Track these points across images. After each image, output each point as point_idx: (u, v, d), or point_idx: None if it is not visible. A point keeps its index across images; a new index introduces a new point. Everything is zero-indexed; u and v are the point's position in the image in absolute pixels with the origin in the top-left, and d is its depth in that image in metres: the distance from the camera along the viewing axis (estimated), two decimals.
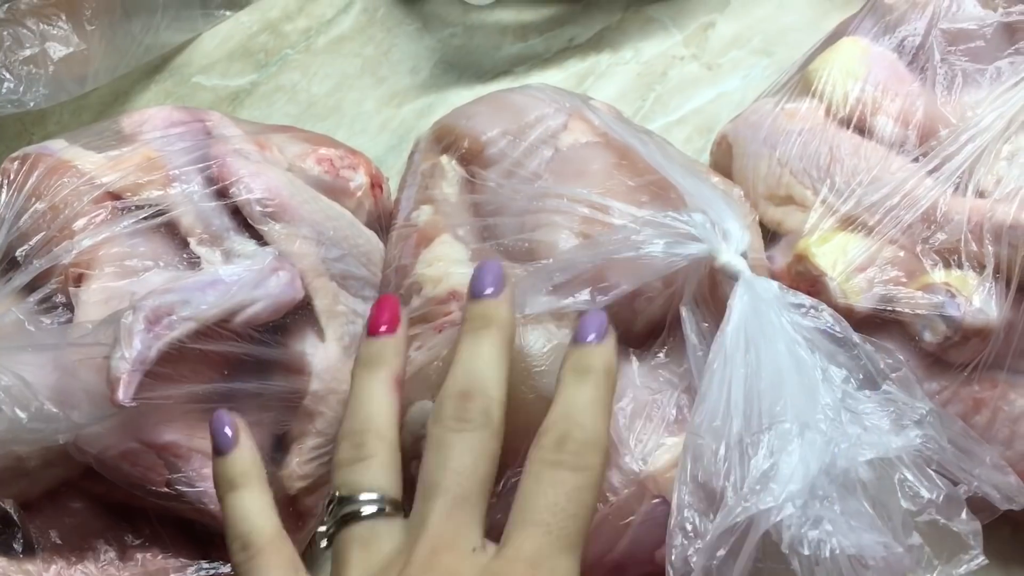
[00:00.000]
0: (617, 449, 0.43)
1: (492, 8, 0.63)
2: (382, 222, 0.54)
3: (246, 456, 0.38)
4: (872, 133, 0.49)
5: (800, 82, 0.52)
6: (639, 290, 0.45)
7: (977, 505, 0.37)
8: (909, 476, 0.36)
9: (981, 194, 0.45)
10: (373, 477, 0.35)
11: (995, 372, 0.43)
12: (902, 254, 0.45)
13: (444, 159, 0.53)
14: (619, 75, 0.62)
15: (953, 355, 0.43)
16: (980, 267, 0.43)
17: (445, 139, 0.54)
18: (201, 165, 0.47)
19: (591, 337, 0.37)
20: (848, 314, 0.44)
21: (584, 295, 0.44)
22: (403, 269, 0.50)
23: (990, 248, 0.43)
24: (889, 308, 0.44)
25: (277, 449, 0.45)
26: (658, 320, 0.46)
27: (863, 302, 0.44)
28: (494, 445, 0.35)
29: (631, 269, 0.44)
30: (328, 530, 0.35)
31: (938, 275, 0.44)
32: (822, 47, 0.54)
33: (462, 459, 0.34)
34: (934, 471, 0.36)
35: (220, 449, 0.38)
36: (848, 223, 0.47)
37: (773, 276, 0.49)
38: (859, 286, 0.44)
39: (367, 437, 0.36)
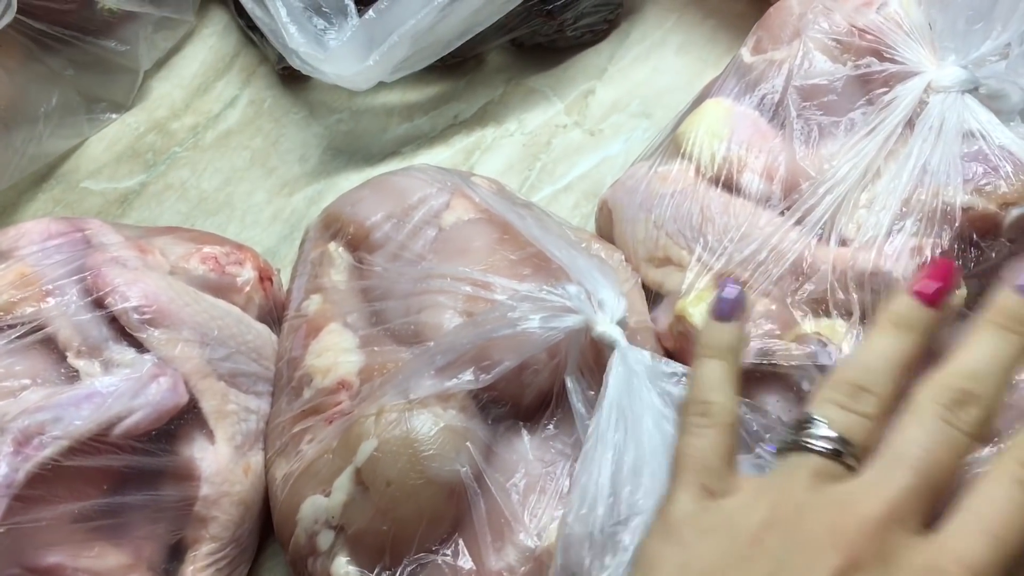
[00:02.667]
0: (512, 526, 0.43)
1: (377, 91, 0.64)
2: (274, 314, 0.54)
3: (738, 333, 0.38)
4: (740, 190, 0.50)
5: (671, 145, 0.54)
6: (525, 363, 0.45)
7: None
8: None
9: (844, 242, 0.46)
10: (857, 430, 0.33)
11: None
12: (775, 307, 0.46)
13: (332, 246, 0.53)
14: (505, 147, 0.63)
15: None
16: (848, 314, 0.44)
17: (332, 226, 0.54)
18: (77, 277, 0.46)
19: None
20: None
21: (468, 375, 0.45)
22: (294, 361, 0.50)
23: (855, 295, 0.44)
24: (766, 361, 0.45)
25: (172, 560, 0.45)
26: (547, 391, 0.47)
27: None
28: (966, 455, 0.33)
29: (512, 345, 0.44)
30: (785, 440, 0.34)
31: (809, 325, 0.45)
32: (691, 109, 0.55)
33: (942, 451, 0.32)
34: None
35: (720, 314, 0.38)
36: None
37: (658, 337, 0.50)
38: None
39: (870, 398, 0.34)
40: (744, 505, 0.33)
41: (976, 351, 0.34)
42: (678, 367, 0.42)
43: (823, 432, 0.33)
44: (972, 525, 0.31)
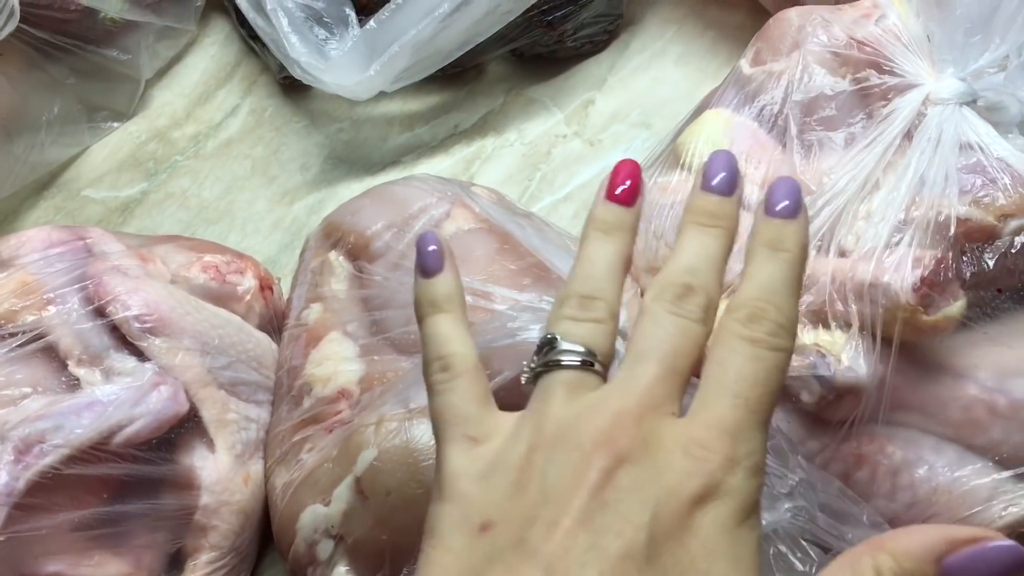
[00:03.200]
0: None
1: (377, 101, 0.65)
2: (275, 323, 0.54)
3: (451, 280, 0.38)
4: (740, 202, 0.50)
5: (670, 155, 0.54)
6: None
7: None
8: (783, 549, 0.36)
9: (843, 254, 0.47)
10: (595, 338, 0.34)
11: (872, 427, 0.44)
12: None
13: (332, 255, 0.53)
14: (505, 157, 0.63)
15: (830, 413, 0.44)
16: (847, 325, 0.44)
17: (333, 235, 0.54)
18: (78, 285, 0.47)
19: (784, 209, 0.35)
20: None
21: None
22: (294, 370, 0.50)
23: (854, 307, 0.44)
24: None
25: (171, 569, 0.45)
26: None
27: None
28: (704, 340, 0.34)
29: (511, 355, 0.44)
30: (534, 369, 0.34)
31: (809, 336, 0.45)
32: (690, 119, 0.56)
33: (678, 338, 0.33)
34: (808, 541, 0.36)
35: (427, 271, 0.38)
36: (724, 290, 0.48)
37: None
38: None
39: (598, 304, 0.35)
40: (509, 439, 0.33)
41: (687, 249, 0.35)
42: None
43: (565, 347, 0.34)
44: (717, 392, 0.32)
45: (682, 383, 0.33)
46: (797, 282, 0.35)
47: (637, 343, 0.34)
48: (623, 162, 0.37)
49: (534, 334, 0.43)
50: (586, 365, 0.34)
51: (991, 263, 0.46)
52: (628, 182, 0.37)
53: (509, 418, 0.35)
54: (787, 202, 0.35)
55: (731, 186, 0.36)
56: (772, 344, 0.33)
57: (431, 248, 0.38)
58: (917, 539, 0.29)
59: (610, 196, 0.37)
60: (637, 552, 0.29)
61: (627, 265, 0.37)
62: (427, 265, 0.38)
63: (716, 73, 0.64)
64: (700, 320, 0.34)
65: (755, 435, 0.32)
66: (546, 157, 0.63)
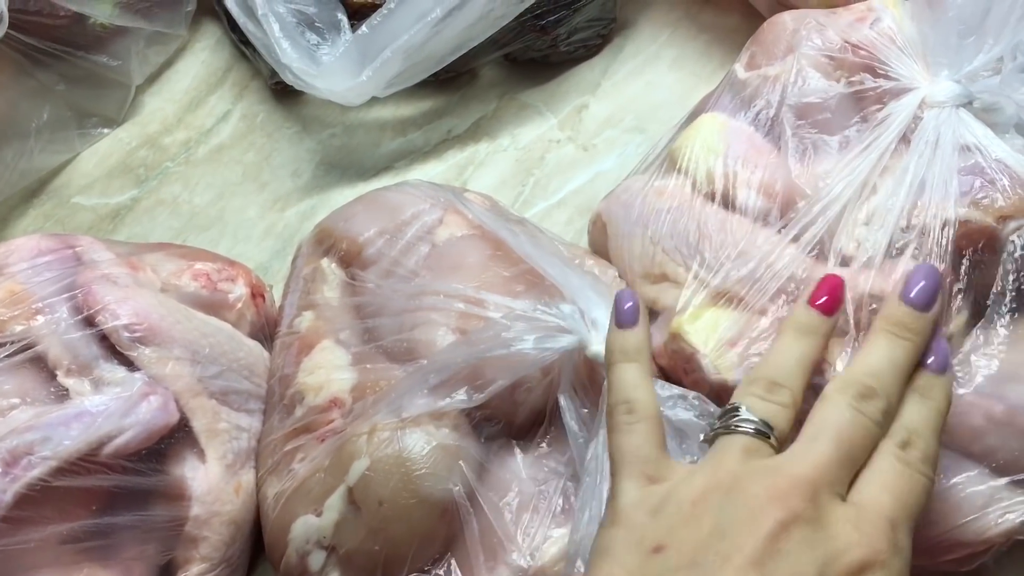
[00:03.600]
0: (504, 546, 0.43)
1: (370, 106, 0.64)
2: (266, 331, 0.54)
3: (644, 335, 0.41)
4: (736, 206, 0.50)
5: (666, 159, 0.54)
6: (518, 381, 0.45)
7: None
8: None
9: (844, 259, 0.46)
10: (776, 416, 0.38)
11: None
12: (771, 325, 0.46)
13: (324, 262, 0.53)
14: (498, 162, 0.63)
15: None
16: (843, 333, 0.44)
17: (325, 242, 0.54)
18: (67, 295, 0.46)
19: (938, 366, 0.39)
20: (723, 389, 0.45)
21: (461, 394, 0.44)
22: (286, 379, 0.50)
23: (851, 314, 0.44)
24: None
25: None
26: (540, 409, 0.46)
27: (736, 376, 0.45)
28: (876, 444, 0.37)
29: (505, 364, 0.44)
30: (715, 429, 0.38)
31: None
32: (686, 123, 0.55)
33: (856, 431, 0.36)
34: None
35: (623, 323, 0.41)
36: (719, 297, 0.48)
37: (653, 354, 0.50)
38: (731, 361, 0.45)
39: (784, 392, 0.38)
40: (683, 481, 0.36)
41: (874, 354, 0.39)
42: (675, 389, 0.42)
43: (747, 416, 0.37)
44: (877, 488, 0.36)
45: (852, 472, 0.36)
46: (941, 427, 0.39)
47: (816, 424, 0.37)
48: (829, 277, 0.42)
49: (528, 344, 0.43)
50: (763, 436, 0.37)
51: (991, 267, 0.45)
52: (830, 295, 0.41)
53: (684, 467, 0.38)
54: (940, 363, 0.39)
55: (930, 302, 0.40)
56: (922, 470, 0.37)
57: (628, 304, 0.42)
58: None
59: (812, 302, 0.41)
60: None
61: (816, 366, 0.40)
62: (623, 319, 0.42)
63: (710, 77, 0.64)
64: (877, 423, 0.37)
65: (907, 536, 0.35)
66: (539, 162, 0.63)
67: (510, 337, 0.43)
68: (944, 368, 0.39)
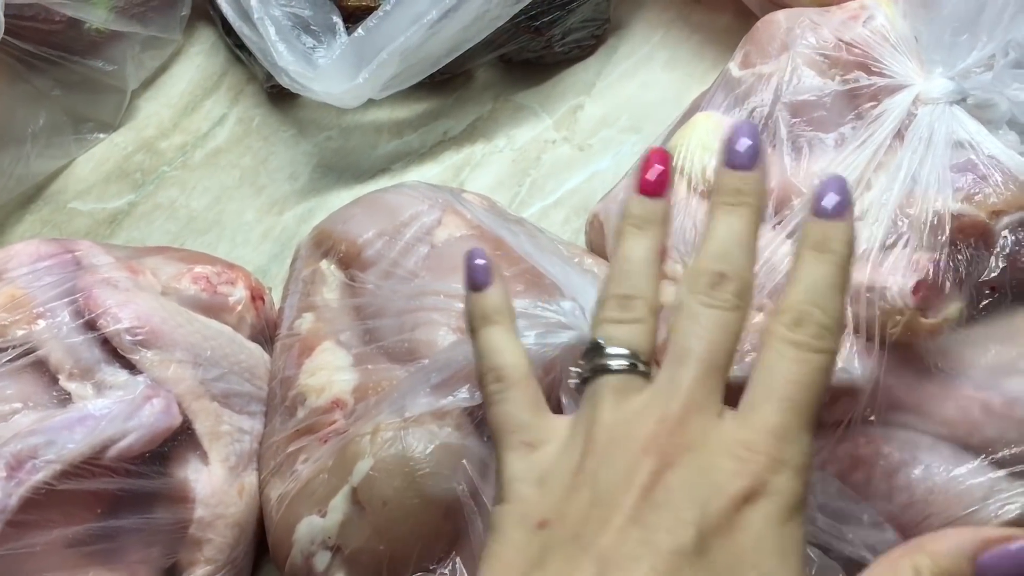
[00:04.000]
0: None
1: (366, 108, 0.64)
2: (266, 333, 0.54)
3: (500, 293, 0.39)
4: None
5: None
6: None
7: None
8: None
9: None
10: (637, 338, 0.36)
11: (868, 428, 0.44)
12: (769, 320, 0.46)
13: (324, 264, 0.53)
14: (495, 163, 0.63)
15: (826, 415, 0.44)
16: (842, 327, 0.44)
17: (324, 244, 0.54)
18: (68, 299, 0.46)
19: (831, 209, 0.35)
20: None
21: (463, 392, 0.44)
22: (287, 381, 0.50)
23: (849, 308, 0.44)
24: None
25: None
26: None
27: (736, 372, 0.45)
28: (741, 326, 0.35)
29: None
30: (582, 374, 0.36)
31: None
32: (681, 121, 0.56)
33: (715, 333, 0.35)
34: (808, 542, 0.36)
35: (476, 285, 0.39)
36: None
37: None
38: None
39: (636, 303, 0.36)
40: (563, 445, 0.35)
41: (716, 234, 0.36)
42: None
43: (609, 351, 0.35)
44: (764, 396, 0.33)
45: (722, 378, 0.34)
46: (844, 282, 0.35)
47: (676, 342, 0.35)
48: (652, 151, 0.38)
49: (530, 340, 0.43)
50: (631, 368, 0.35)
51: (985, 262, 0.46)
52: (658, 171, 0.38)
53: (562, 422, 0.36)
54: (834, 200, 0.35)
55: (754, 158, 0.37)
56: (817, 347, 0.34)
57: (479, 262, 0.39)
58: (953, 540, 0.30)
59: (641, 189, 0.38)
60: (687, 547, 0.31)
61: (662, 257, 0.37)
62: (476, 279, 0.39)
63: (704, 77, 0.64)
64: (735, 307, 0.35)
65: (801, 437, 0.33)
66: (535, 163, 0.63)
67: None
68: (842, 210, 0.35)
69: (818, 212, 0.35)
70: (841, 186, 0.36)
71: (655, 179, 0.38)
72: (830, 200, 0.35)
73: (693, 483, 0.32)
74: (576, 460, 0.34)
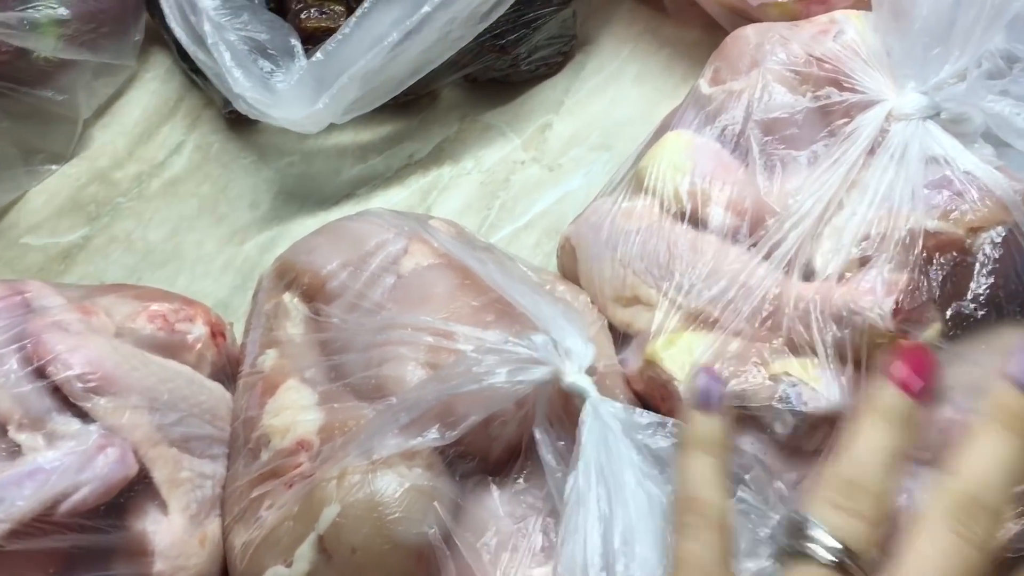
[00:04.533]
0: None
1: (328, 132, 0.63)
2: (228, 371, 0.52)
3: (724, 425, 0.36)
4: (706, 224, 0.49)
5: (633, 179, 0.53)
6: (492, 416, 0.43)
7: None
8: None
9: (813, 277, 0.45)
10: (857, 535, 0.32)
11: None
12: (745, 346, 0.45)
13: (287, 297, 0.51)
14: (463, 186, 0.62)
15: (806, 442, 0.43)
16: (813, 352, 0.43)
17: (287, 276, 0.52)
18: (16, 345, 0.44)
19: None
20: None
21: (433, 432, 0.43)
22: (250, 421, 0.48)
23: (826, 333, 0.43)
24: (738, 404, 0.43)
25: None
26: (515, 443, 0.45)
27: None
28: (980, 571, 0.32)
29: (478, 400, 0.42)
30: (783, 547, 0.33)
31: (780, 365, 0.44)
32: (652, 140, 0.54)
33: (953, 571, 0.31)
34: None
35: (706, 405, 0.36)
36: (693, 319, 0.47)
37: (627, 380, 0.49)
38: None
39: (866, 498, 0.33)
40: None
41: (984, 455, 0.33)
42: (654, 417, 0.41)
43: (824, 540, 0.32)
44: None
45: None
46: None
47: (911, 562, 0.31)
48: (914, 352, 0.35)
49: (501, 378, 0.41)
50: (839, 566, 0.32)
51: (964, 280, 0.45)
52: (923, 380, 0.34)
53: None
54: None
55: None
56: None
57: (714, 383, 0.36)
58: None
59: (904, 386, 0.34)
60: None
61: (903, 460, 0.34)
62: (708, 399, 0.36)
63: (673, 92, 0.63)
64: (984, 551, 0.31)
65: None
66: (504, 184, 0.62)
67: (481, 372, 0.42)
68: None
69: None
70: None
71: (919, 387, 0.34)
72: None
73: None
74: None
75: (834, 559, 0.32)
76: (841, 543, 0.32)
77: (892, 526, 0.33)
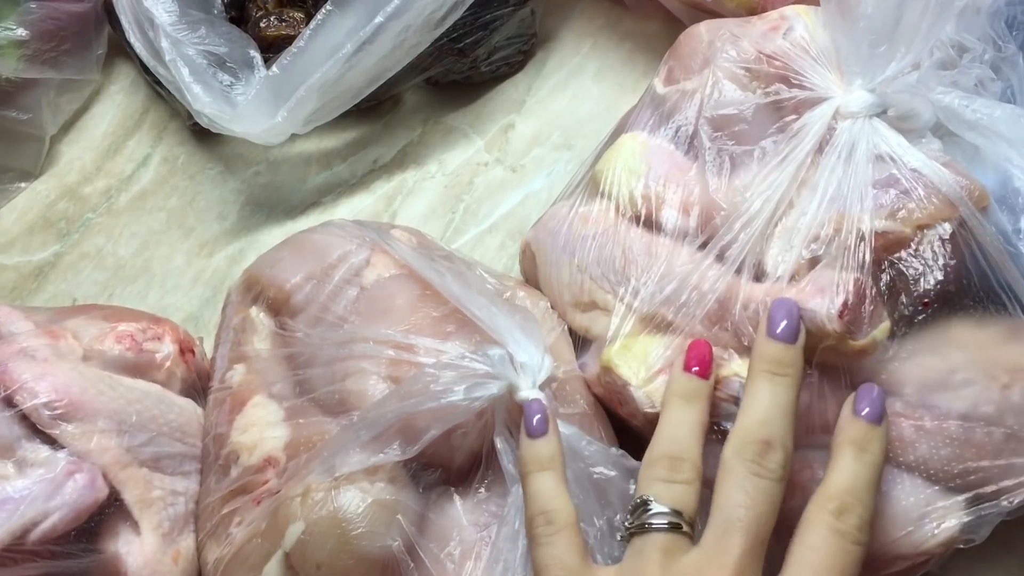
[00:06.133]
0: None
1: (293, 140, 0.63)
2: (199, 386, 0.53)
3: (555, 443, 0.42)
4: (661, 227, 0.49)
5: (590, 183, 0.53)
6: (453, 427, 0.44)
7: None
8: None
9: (762, 277, 0.46)
10: (684, 499, 0.39)
11: (803, 452, 0.44)
12: None
13: (253, 311, 0.52)
14: (427, 190, 0.62)
15: None
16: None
17: (253, 289, 0.53)
18: None
19: (870, 414, 0.40)
20: (657, 419, 0.44)
21: (395, 448, 0.44)
22: (220, 438, 0.49)
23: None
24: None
25: None
26: (476, 452, 0.46)
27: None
28: (781, 498, 0.39)
29: (437, 415, 0.43)
30: (629, 529, 0.39)
31: (734, 365, 0.44)
32: (609, 141, 0.55)
33: (762, 504, 0.38)
34: None
35: (532, 433, 0.42)
36: (648, 323, 0.47)
37: (587, 384, 0.49)
38: (662, 390, 0.45)
39: (685, 465, 0.39)
40: None
41: (760, 400, 0.40)
42: (596, 445, 0.44)
43: (657, 509, 0.38)
44: (809, 570, 0.37)
45: (764, 549, 0.38)
46: (877, 484, 0.39)
47: (724, 508, 0.38)
48: (696, 344, 0.43)
49: (459, 395, 0.42)
50: (676, 528, 0.38)
51: (912, 278, 0.45)
52: (700, 362, 0.43)
53: (607, 573, 0.39)
54: (871, 408, 0.40)
55: (795, 334, 0.41)
56: (856, 539, 0.38)
57: (537, 416, 0.42)
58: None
59: (687, 368, 0.43)
60: None
61: (705, 429, 0.41)
62: (533, 430, 0.42)
63: (635, 87, 0.64)
64: (780, 479, 0.38)
65: None
66: (468, 187, 0.62)
67: (439, 390, 0.43)
68: (880, 417, 0.40)
69: (858, 414, 0.40)
70: (878, 398, 0.41)
71: (700, 366, 0.43)
72: (871, 410, 0.40)
73: None
74: None
75: (666, 523, 0.38)
76: (671, 508, 0.38)
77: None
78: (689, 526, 0.38)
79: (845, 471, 0.39)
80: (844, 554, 0.37)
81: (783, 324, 0.41)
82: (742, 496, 0.38)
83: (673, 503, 0.38)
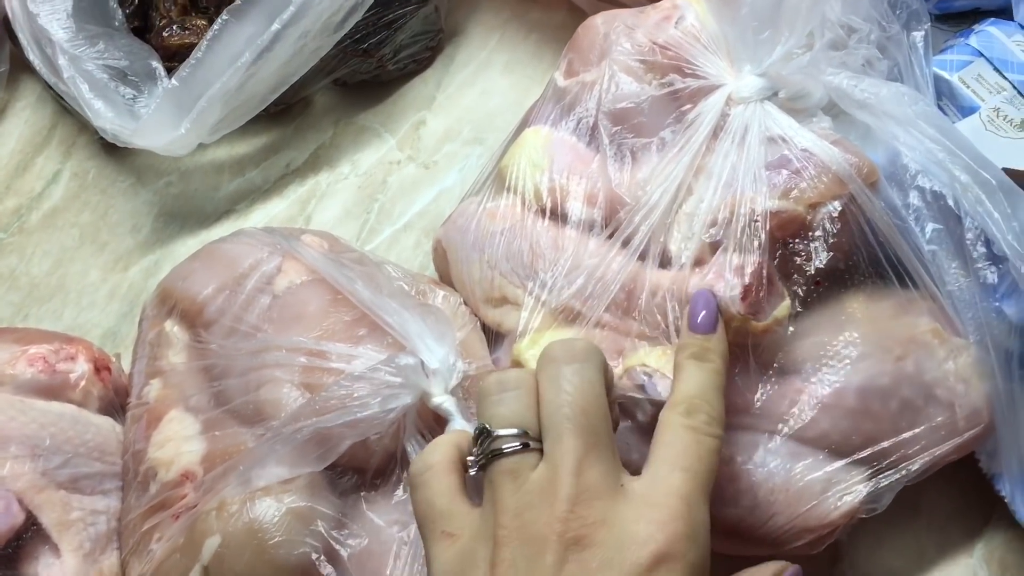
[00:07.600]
0: None
1: (204, 148, 0.63)
2: (117, 403, 0.53)
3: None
4: (567, 219, 0.50)
5: (496, 178, 0.54)
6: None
7: None
8: None
9: (667, 265, 0.47)
10: (518, 411, 0.38)
11: None
12: (608, 338, 0.47)
13: (168, 324, 0.52)
14: (341, 192, 0.62)
15: None
16: (668, 340, 0.45)
17: (167, 302, 0.53)
18: None
19: (704, 325, 0.42)
20: None
21: (310, 460, 0.44)
22: (138, 455, 0.49)
23: (681, 320, 0.45)
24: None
25: None
26: (392, 452, 0.46)
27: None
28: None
29: (353, 427, 0.44)
30: (478, 461, 0.38)
31: (637, 356, 0.45)
32: (514, 136, 0.55)
33: (579, 399, 0.37)
34: None
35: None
36: (557, 316, 0.48)
37: None
38: None
39: (510, 381, 0.39)
40: (478, 534, 0.37)
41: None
42: None
43: (498, 432, 0.38)
44: (668, 467, 0.37)
45: (611, 447, 0.38)
46: (722, 384, 0.41)
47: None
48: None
49: (373, 409, 0.43)
50: (523, 447, 0.37)
51: (808, 255, 0.47)
52: None
53: (474, 512, 0.38)
54: (703, 319, 0.42)
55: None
56: (708, 431, 0.39)
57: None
58: None
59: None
60: None
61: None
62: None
63: (543, 79, 0.64)
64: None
65: (702, 504, 0.37)
66: (382, 186, 0.62)
67: (355, 405, 0.43)
68: (713, 325, 0.42)
69: (693, 328, 0.42)
70: (710, 304, 0.42)
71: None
72: (703, 318, 0.42)
73: (606, 554, 0.35)
74: (491, 551, 0.36)
75: (510, 445, 0.37)
76: (514, 427, 0.38)
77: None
78: (536, 441, 0.37)
79: (689, 380, 0.40)
80: (698, 444, 0.38)
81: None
82: (557, 394, 0.37)
83: (511, 420, 0.38)
